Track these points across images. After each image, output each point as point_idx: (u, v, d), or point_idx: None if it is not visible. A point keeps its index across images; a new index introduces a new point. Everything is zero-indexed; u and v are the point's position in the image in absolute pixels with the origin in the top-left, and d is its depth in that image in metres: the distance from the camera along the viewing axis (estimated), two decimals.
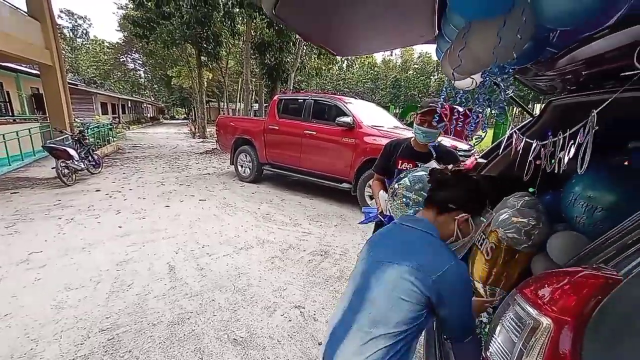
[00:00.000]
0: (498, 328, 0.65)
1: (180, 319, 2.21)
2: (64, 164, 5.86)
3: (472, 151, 4.55)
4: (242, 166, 6.53)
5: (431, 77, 45.43)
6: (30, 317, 2.18)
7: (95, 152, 7.40)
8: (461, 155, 3.04)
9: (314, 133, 5.23)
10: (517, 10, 0.71)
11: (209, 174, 7.27)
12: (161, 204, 4.79)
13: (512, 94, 1.61)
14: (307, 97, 5.60)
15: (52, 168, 5.96)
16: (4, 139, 7.08)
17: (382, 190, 1.68)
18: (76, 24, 44.85)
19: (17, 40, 7.81)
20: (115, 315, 2.23)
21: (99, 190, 5.45)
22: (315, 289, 2.67)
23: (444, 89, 1.61)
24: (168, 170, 7.57)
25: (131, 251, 3.19)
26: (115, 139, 12.14)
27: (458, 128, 1.64)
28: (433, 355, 1.31)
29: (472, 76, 1.33)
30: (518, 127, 1.48)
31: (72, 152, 6.06)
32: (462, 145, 4.52)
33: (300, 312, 2.37)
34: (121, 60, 38.49)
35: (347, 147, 4.85)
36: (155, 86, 41.41)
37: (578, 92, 1.35)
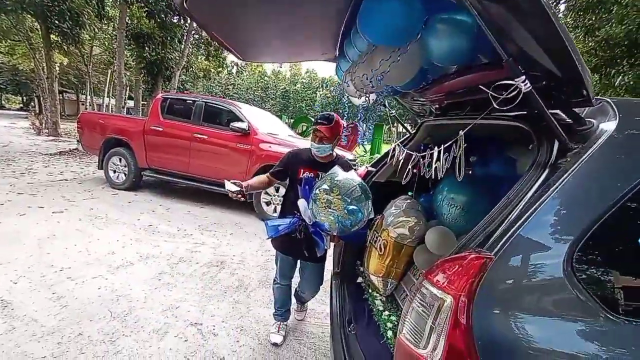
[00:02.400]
0: (410, 311, 0.78)
1: None
2: None
3: (356, 161, 5.16)
4: (114, 171, 5.50)
5: (316, 92, 49.06)
6: None
7: None
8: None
9: (206, 137, 4.90)
10: (414, 46, 0.90)
11: (66, 179, 5.80)
12: None
13: (395, 114, 1.94)
14: (198, 99, 5.23)
15: None
16: None
17: (301, 200, 1.72)
18: None
19: None
20: None
21: None
22: (213, 302, 2.49)
23: (346, 105, 1.80)
24: None
25: None
26: None
27: (342, 142, 1.86)
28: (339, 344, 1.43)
29: (368, 94, 1.55)
30: (400, 141, 1.79)
31: None
32: (348, 155, 5.06)
33: (198, 329, 2.17)
34: None
35: (242, 153, 4.74)
36: None
37: (441, 116, 1.75)
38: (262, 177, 2.05)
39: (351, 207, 1.55)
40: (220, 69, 18.86)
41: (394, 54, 0.92)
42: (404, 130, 2.06)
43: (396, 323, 1.57)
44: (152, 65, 13.33)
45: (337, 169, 1.73)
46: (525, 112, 1.04)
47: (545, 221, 0.74)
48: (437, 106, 1.84)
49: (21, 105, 35.65)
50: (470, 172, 1.76)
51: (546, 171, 0.85)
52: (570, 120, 0.99)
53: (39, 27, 12.49)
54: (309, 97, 47.90)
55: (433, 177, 1.25)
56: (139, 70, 14.80)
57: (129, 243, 3.36)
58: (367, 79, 1.11)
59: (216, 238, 3.77)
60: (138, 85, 16.21)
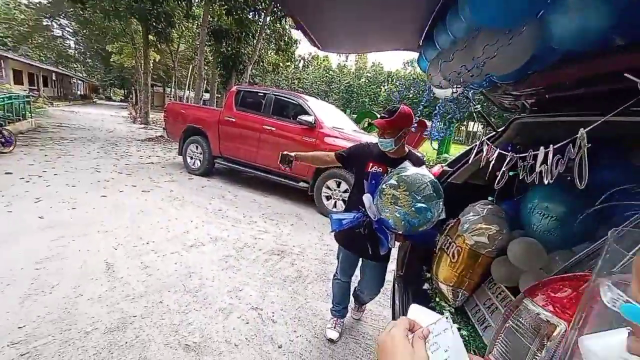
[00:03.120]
0: (503, 330, 0.66)
1: (121, 325, 1.95)
2: None
3: (424, 159, 4.84)
4: (191, 157, 6.08)
5: (381, 86, 47.75)
6: None
7: (5, 128, 6.27)
8: None
9: (273, 129, 5.09)
10: (531, 27, 0.75)
11: (152, 163, 6.63)
12: (96, 193, 4.22)
13: (480, 109, 1.73)
14: (269, 92, 5.44)
15: None
16: None
17: (367, 194, 1.66)
18: None
19: None
20: (33, 323, 1.87)
21: (9, 173, 4.60)
22: (273, 290, 2.58)
23: (425, 97, 1.66)
24: (104, 155, 6.72)
25: (56, 246, 2.74)
26: (33, 115, 10.43)
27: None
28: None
29: (459, 86, 1.39)
30: (486, 138, 1.59)
31: None
32: (417, 153, 4.79)
33: (258, 313, 2.26)
34: (44, 23, 33.14)
35: (307, 146, 4.81)
36: (89, 61, 36.75)
37: (539, 113, 1.50)
38: (321, 153, 2.08)
39: (419, 205, 1.43)
40: (289, 63, 19.51)
41: (504, 38, 0.78)
42: (475, 130, 1.83)
43: (467, 338, 1.42)
44: (228, 59, 14.35)
45: (407, 164, 1.62)
46: None
47: None
48: (533, 100, 1.59)
49: (122, 97, 41.67)
50: (569, 178, 1.49)
51: None
52: None
53: (140, 28, 14.40)
54: (373, 92, 46.92)
55: (536, 182, 1.06)
56: (215, 65, 16.09)
57: (201, 225, 3.67)
58: (465, 68, 0.98)
59: (278, 227, 3.91)
60: (214, 79, 17.66)
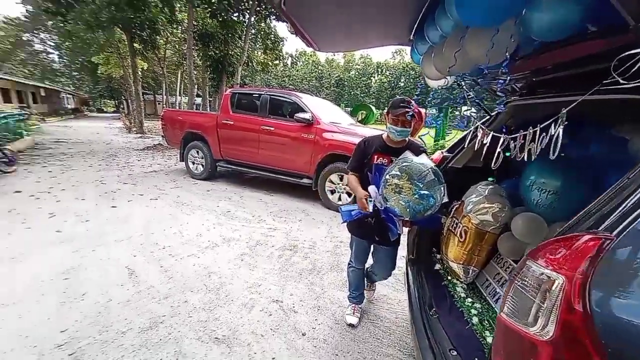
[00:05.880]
0: (512, 290, 0.79)
1: (152, 324, 2.07)
2: None
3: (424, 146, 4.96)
4: (193, 163, 6.17)
5: (371, 77, 47.78)
6: None
7: (6, 147, 6.31)
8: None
9: (272, 129, 5.19)
10: (510, 23, 0.87)
11: (155, 171, 6.71)
12: (106, 204, 4.31)
13: (474, 96, 1.85)
14: (263, 92, 5.52)
15: None
16: None
17: (372, 186, 1.76)
18: None
19: None
20: (73, 327, 2.00)
21: (19, 192, 4.68)
22: (290, 283, 2.71)
23: (419, 87, 1.77)
24: (106, 168, 6.79)
25: (78, 257, 2.85)
26: (29, 133, 10.41)
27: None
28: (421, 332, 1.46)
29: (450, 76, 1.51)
30: (481, 122, 1.71)
31: None
32: (417, 142, 4.91)
33: (279, 305, 2.39)
34: (24, 39, 32.74)
35: (307, 143, 4.91)
36: (76, 73, 36.36)
37: (527, 96, 1.62)
38: (352, 178, 2.00)
39: (423, 192, 1.53)
40: (277, 61, 19.48)
41: (487, 34, 0.89)
42: (468, 115, 1.94)
43: (481, 310, 1.55)
44: (217, 62, 14.36)
45: (407, 154, 1.71)
46: None
47: None
48: (522, 84, 1.71)
49: (114, 108, 41.37)
50: (563, 154, 1.61)
51: None
52: None
53: (125, 38, 14.29)
54: (364, 84, 46.91)
55: (526, 159, 1.19)
56: (205, 69, 16.08)
57: (212, 227, 3.78)
58: (453, 58, 1.08)
59: (287, 224, 4.03)
60: (205, 83, 17.64)
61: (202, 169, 6.07)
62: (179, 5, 14.60)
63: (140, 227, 3.60)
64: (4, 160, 5.87)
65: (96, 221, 3.70)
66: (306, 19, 1.42)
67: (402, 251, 2.16)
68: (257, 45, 17.61)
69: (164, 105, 21.08)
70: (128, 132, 15.01)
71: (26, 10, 28.98)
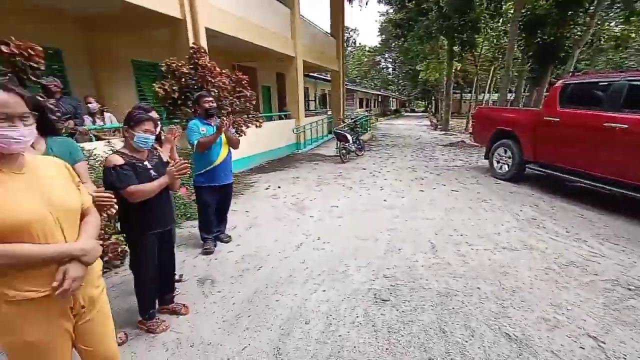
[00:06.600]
0: None
1: (447, 293, 2.38)
2: (342, 146, 7.70)
3: None
4: (498, 162, 5.93)
5: None
6: (337, 248, 3.09)
7: (361, 138, 9.20)
8: None
9: (625, 127, 3.82)
10: None
11: (457, 166, 7.19)
12: (415, 188, 5.28)
13: None
14: (618, 79, 4.13)
15: (335, 149, 8.00)
16: (311, 126, 10.28)
17: None
18: (349, 36, 56.21)
19: (326, 56, 11.09)
20: (392, 269, 2.73)
21: (364, 169, 6.77)
22: (620, 328, 2.04)
23: None
24: (416, 158, 8.19)
25: (397, 222, 3.76)
26: (370, 129, 14.52)
27: None
28: None
29: None
30: None
31: (349, 136, 7.85)
32: None
33: (598, 344, 1.89)
34: (376, 60, 44.77)
35: None
36: (401, 81, 45.25)
37: None
38: None
39: None
40: None
41: None
42: None
43: None
44: (543, 50, 12.34)
45: None
46: None
47: None
48: None
49: (423, 108, 47.71)
50: None
51: None
52: None
53: (446, 43, 15.82)
54: None
55: None
56: (524, 60, 14.35)
57: (513, 230, 3.54)
58: None
59: (626, 255, 2.96)
60: (521, 77, 15.79)
61: (506, 168, 5.71)
62: None
63: (443, 212, 4.09)
64: (360, 147, 8.63)
65: (409, 199, 4.64)
66: None
67: None
68: (610, 14, 13.21)
69: (472, 104, 21.32)
70: (434, 129, 16.84)
71: (380, 39, 39.51)
